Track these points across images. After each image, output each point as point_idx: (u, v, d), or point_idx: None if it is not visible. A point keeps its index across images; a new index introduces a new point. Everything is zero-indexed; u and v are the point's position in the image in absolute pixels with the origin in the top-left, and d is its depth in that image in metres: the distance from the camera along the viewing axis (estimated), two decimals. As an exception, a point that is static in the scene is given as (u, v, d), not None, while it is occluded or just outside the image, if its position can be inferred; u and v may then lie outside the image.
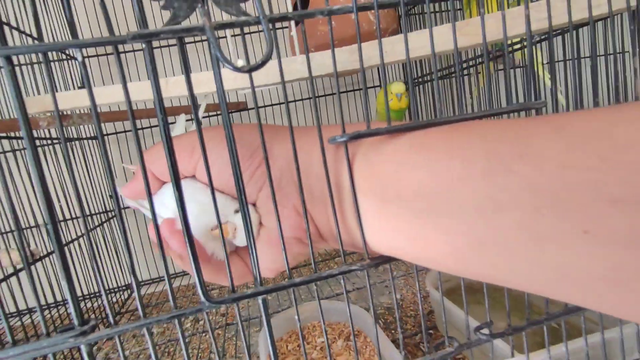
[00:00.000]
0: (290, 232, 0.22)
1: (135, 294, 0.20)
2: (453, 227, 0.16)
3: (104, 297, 0.21)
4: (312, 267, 0.22)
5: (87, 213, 0.73)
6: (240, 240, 0.23)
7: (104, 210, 0.83)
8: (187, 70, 0.18)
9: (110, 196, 0.85)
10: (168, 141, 0.18)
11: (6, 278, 0.46)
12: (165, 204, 0.23)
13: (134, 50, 0.81)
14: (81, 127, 0.81)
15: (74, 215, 0.70)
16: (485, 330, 0.26)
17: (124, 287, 0.83)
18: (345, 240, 0.22)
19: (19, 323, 0.55)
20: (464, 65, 0.71)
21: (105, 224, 0.80)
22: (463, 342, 0.25)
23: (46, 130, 0.67)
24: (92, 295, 0.74)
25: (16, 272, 0.47)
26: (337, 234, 0.21)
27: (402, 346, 0.23)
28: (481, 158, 0.16)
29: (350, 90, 0.94)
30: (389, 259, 0.23)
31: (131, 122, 0.18)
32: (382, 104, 0.65)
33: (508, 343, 0.31)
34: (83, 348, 0.20)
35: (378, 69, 0.97)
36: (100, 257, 0.74)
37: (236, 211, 0.23)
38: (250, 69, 0.18)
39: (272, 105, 0.88)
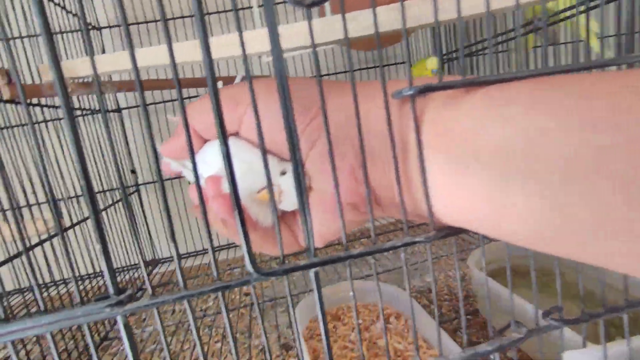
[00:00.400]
0: (344, 196, 0.20)
1: (176, 265, 0.18)
2: (542, 191, 0.14)
3: (142, 267, 0.19)
4: (368, 239, 0.20)
5: (108, 188, 0.72)
6: (287, 204, 0.21)
7: (128, 185, 0.82)
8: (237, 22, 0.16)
9: (133, 171, 0.84)
10: (215, 93, 0.16)
11: (33, 247, 0.45)
12: (208, 163, 0.21)
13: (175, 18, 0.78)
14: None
15: (97, 190, 0.69)
16: (556, 316, 0.23)
17: (132, 266, 0.82)
18: (408, 207, 0.20)
19: (48, 295, 0.55)
20: (498, 39, 0.67)
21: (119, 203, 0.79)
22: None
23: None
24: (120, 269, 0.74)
25: (44, 241, 0.46)
26: (400, 200, 0.18)
27: (464, 330, 0.21)
28: (577, 112, 0.13)
29: (387, 65, 0.90)
30: (456, 231, 0.20)
31: (174, 76, 0.15)
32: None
33: (577, 332, 0.28)
34: (119, 319, 0.18)
35: (407, 44, 0.92)
36: (122, 232, 0.74)
37: (282, 173, 0.21)
38: (310, 4, 0.16)
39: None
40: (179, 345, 0.55)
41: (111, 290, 0.18)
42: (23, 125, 0.61)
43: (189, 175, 0.21)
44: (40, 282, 0.50)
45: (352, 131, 0.19)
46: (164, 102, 0.82)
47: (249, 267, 0.18)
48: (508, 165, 0.15)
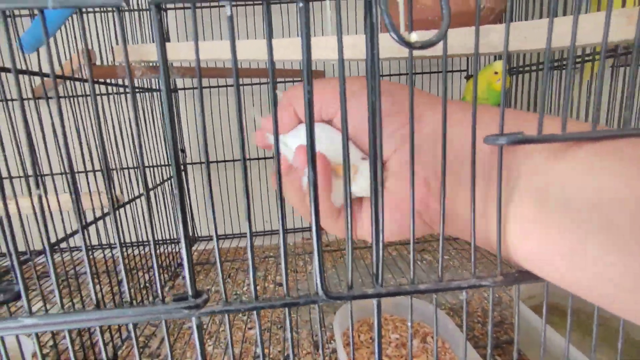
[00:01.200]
0: (415, 217, 0.20)
1: (251, 283, 0.19)
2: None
3: (218, 269, 0.20)
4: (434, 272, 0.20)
5: (157, 164, 0.75)
6: (359, 188, 0.22)
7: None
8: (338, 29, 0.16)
9: (182, 150, 0.87)
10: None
11: (96, 220, 0.48)
12: (301, 138, 0.23)
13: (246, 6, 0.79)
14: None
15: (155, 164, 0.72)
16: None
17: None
18: (478, 235, 0.20)
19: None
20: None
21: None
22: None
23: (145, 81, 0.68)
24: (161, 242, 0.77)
25: (99, 218, 0.49)
26: (472, 228, 0.19)
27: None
28: None
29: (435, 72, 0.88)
30: (524, 278, 0.20)
31: (270, 71, 0.16)
32: (482, 90, 0.59)
33: None
34: (194, 320, 0.19)
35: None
36: (168, 207, 0.77)
37: (363, 158, 0.22)
38: (422, 45, 0.16)
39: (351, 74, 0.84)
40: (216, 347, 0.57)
41: (190, 292, 0.19)
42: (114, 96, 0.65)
43: (284, 149, 0.23)
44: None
45: (438, 146, 0.19)
46: (219, 86, 0.85)
47: (319, 289, 0.19)
48: (605, 219, 0.14)
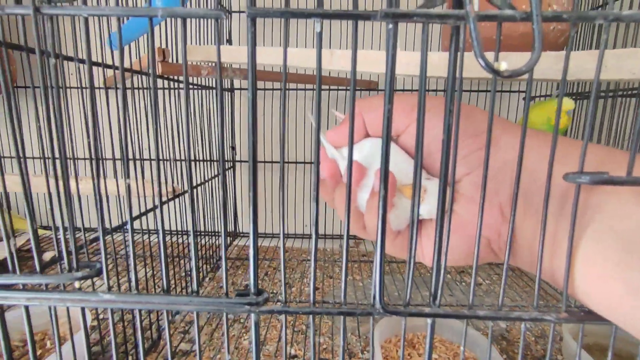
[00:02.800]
0: (483, 230, 0.20)
1: (311, 289, 0.19)
2: None
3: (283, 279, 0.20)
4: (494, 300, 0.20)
5: (208, 159, 0.78)
6: (426, 211, 0.21)
7: (227, 159, 0.89)
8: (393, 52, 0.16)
9: (232, 147, 0.91)
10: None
11: (159, 204, 0.51)
12: (362, 153, 0.22)
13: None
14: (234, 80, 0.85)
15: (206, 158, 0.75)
16: None
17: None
18: (545, 268, 0.19)
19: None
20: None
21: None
22: None
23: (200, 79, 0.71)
24: (202, 233, 0.80)
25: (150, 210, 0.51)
26: (539, 261, 0.18)
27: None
28: None
29: (500, 91, 0.85)
30: (589, 319, 0.19)
31: (352, 81, 0.17)
32: (542, 123, 0.57)
33: None
34: (253, 317, 0.20)
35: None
36: (212, 201, 0.80)
37: (427, 178, 0.22)
38: (511, 75, 0.16)
39: (403, 90, 0.84)
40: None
41: (252, 290, 0.20)
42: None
43: (341, 162, 0.23)
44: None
45: (524, 177, 0.19)
46: (272, 89, 0.87)
47: (377, 302, 0.19)
48: None
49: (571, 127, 0.69)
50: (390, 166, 0.22)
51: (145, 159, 0.77)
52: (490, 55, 0.31)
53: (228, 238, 0.91)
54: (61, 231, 0.20)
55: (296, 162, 0.89)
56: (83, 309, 0.21)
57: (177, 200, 0.63)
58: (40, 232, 0.91)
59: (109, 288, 0.21)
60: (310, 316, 0.20)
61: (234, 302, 0.20)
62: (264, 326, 0.58)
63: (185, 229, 0.65)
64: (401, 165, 0.22)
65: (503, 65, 0.16)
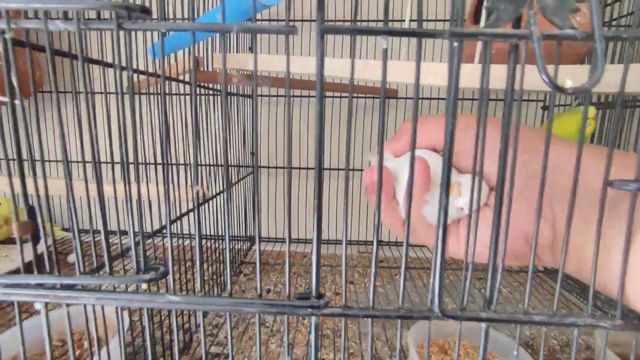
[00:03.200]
0: (521, 224, 0.21)
1: (370, 292, 0.20)
2: None
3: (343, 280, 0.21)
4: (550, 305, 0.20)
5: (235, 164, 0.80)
6: (463, 204, 0.23)
7: (247, 165, 0.90)
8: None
9: (252, 153, 0.92)
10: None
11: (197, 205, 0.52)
12: (406, 164, 0.24)
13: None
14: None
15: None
16: None
17: (245, 238, 0.90)
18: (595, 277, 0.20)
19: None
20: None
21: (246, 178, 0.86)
22: None
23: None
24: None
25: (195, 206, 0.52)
26: (593, 269, 0.19)
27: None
28: None
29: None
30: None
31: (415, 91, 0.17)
32: (566, 130, 0.57)
33: None
34: (313, 319, 0.21)
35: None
36: (232, 206, 0.81)
37: (457, 175, 0.24)
38: (574, 92, 0.17)
39: (424, 98, 0.85)
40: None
41: (314, 294, 0.21)
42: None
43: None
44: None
45: (558, 179, 0.20)
46: (294, 96, 0.88)
47: (435, 305, 0.20)
48: None
49: (593, 134, 0.69)
50: (433, 164, 0.23)
51: (173, 164, 0.78)
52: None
53: (248, 243, 0.92)
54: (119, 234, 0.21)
55: (330, 169, 0.90)
56: (150, 311, 0.22)
57: (204, 206, 0.64)
58: (60, 233, 0.93)
59: (174, 290, 0.22)
60: (369, 320, 0.21)
61: (297, 304, 0.20)
62: (292, 329, 0.58)
63: (212, 234, 0.66)
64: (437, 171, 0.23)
65: (568, 83, 0.17)
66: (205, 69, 0.60)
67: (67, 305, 0.21)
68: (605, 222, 0.19)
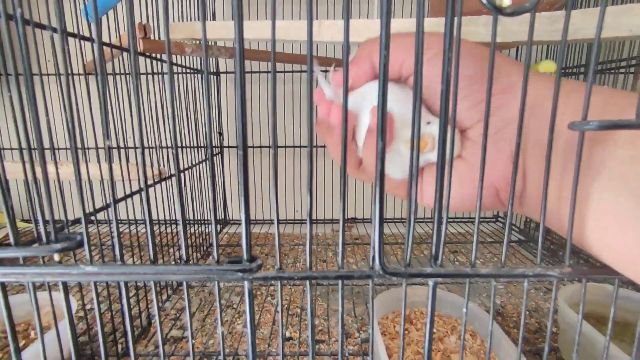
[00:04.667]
0: (492, 178, 0.19)
1: (307, 254, 0.19)
2: None
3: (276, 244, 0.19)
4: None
5: (195, 145, 0.77)
6: (434, 157, 0.20)
7: (215, 145, 0.87)
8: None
9: (220, 133, 0.89)
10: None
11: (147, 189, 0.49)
12: (368, 99, 0.21)
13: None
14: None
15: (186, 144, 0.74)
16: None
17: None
18: (554, 219, 0.19)
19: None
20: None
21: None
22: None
23: (186, 59, 0.69)
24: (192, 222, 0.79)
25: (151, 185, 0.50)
26: (542, 212, 0.17)
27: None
28: None
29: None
30: (592, 272, 0.19)
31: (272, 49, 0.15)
32: None
33: None
34: (246, 284, 0.19)
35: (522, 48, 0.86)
36: (199, 188, 0.78)
37: (427, 123, 0.20)
38: (513, 12, 0.15)
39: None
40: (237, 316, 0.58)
41: (245, 256, 0.19)
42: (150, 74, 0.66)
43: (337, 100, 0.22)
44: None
45: (531, 122, 0.18)
46: (260, 72, 0.85)
47: (377, 264, 0.18)
48: None
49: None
50: (396, 107, 0.20)
51: (130, 147, 0.75)
52: None
53: (218, 226, 0.89)
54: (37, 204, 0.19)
55: (285, 147, 0.88)
56: (65, 285, 0.20)
57: (164, 189, 0.61)
58: (21, 225, 0.89)
59: (91, 260, 0.19)
60: (307, 282, 0.19)
61: (225, 269, 0.19)
62: (258, 311, 0.57)
63: (173, 218, 0.64)
64: (409, 106, 0.19)
65: (506, 2, 0.15)
66: (158, 38, 0.57)
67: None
68: (564, 165, 0.18)
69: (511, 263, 0.70)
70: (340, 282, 0.19)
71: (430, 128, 0.20)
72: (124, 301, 0.21)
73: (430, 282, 0.19)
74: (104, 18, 0.48)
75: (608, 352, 0.19)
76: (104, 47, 0.46)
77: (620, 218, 0.15)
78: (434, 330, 0.43)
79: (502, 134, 0.19)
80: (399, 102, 0.20)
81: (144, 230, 0.62)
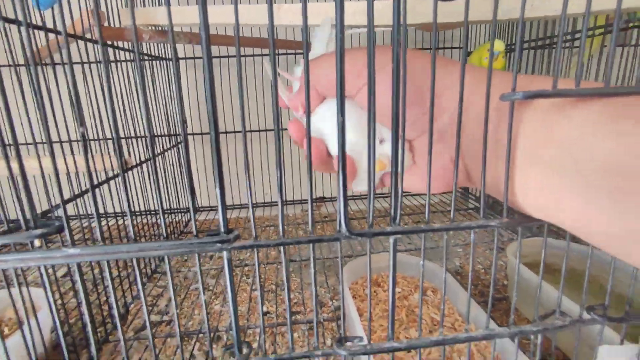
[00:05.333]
0: (440, 180, 0.23)
1: (279, 221, 0.20)
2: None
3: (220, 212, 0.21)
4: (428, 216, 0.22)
5: (160, 134, 0.76)
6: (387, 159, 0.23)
7: (177, 133, 0.86)
8: None
9: (183, 121, 0.87)
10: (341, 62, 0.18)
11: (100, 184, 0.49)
12: (326, 119, 0.23)
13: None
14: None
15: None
16: (599, 312, 0.25)
17: (184, 210, 0.87)
18: (492, 184, 0.22)
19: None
20: (575, 36, 0.65)
21: (174, 149, 0.83)
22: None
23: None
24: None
25: (110, 179, 0.49)
26: (482, 186, 0.20)
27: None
28: None
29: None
30: (526, 220, 0.22)
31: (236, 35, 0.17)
32: (476, 64, 0.60)
33: (613, 330, 0.30)
34: (225, 254, 0.21)
35: (470, 27, 0.90)
36: (167, 177, 0.78)
37: (380, 141, 0.23)
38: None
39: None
40: (220, 287, 0.59)
41: (222, 228, 0.20)
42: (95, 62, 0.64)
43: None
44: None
45: (473, 125, 0.21)
46: (220, 57, 0.84)
47: (342, 225, 0.21)
48: (606, 181, 0.15)
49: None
50: (352, 132, 0.23)
51: (92, 139, 0.73)
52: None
53: (188, 212, 0.89)
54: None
55: (251, 131, 0.88)
56: (53, 267, 0.21)
57: (132, 181, 0.60)
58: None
59: (73, 242, 0.20)
60: (282, 248, 0.21)
61: (204, 241, 0.20)
62: (236, 287, 0.58)
63: (144, 209, 0.63)
64: (363, 123, 0.22)
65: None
66: (113, 25, 0.55)
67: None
68: (496, 141, 0.20)
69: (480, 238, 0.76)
70: (311, 245, 0.21)
71: (384, 148, 0.23)
72: (109, 282, 0.22)
73: (391, 239, 0.21)
74: (55, 5, 0.46)
75: (541, 290, 0.23)
76: (57, 36, 0.44)
77: (537, 181, 0.18)
78: (399, 289, 0.46)
79: (442, 144, 0.22)
80: (352, 120, 0.22)
81: (112, 222, 0.62)
